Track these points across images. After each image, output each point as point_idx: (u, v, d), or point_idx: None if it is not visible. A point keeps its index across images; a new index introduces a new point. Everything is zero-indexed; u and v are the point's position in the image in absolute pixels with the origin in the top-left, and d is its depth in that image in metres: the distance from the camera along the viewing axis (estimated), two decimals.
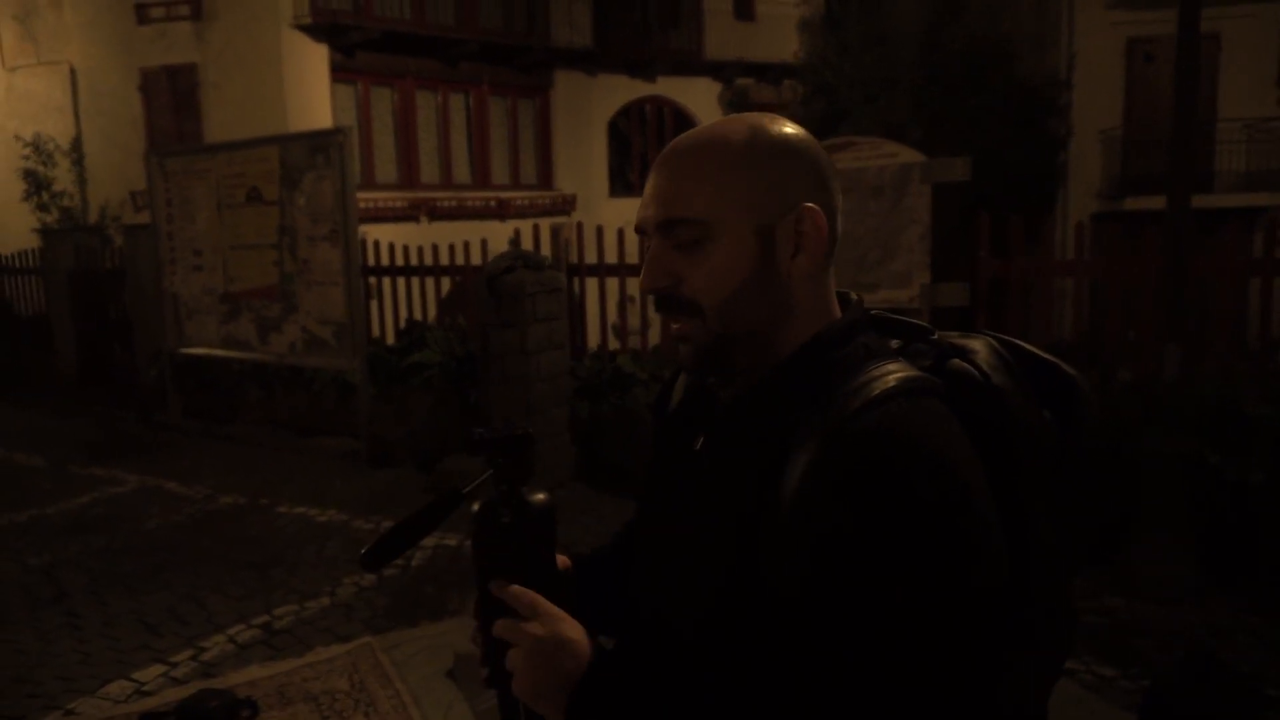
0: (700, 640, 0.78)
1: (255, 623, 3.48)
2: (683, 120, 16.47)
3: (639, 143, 16.30)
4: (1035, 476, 0.76)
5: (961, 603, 0.68)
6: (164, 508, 5.02)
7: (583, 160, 15.31)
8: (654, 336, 5.92)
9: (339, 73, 12.42)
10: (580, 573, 1.03)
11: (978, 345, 0.82)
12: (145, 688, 3.04)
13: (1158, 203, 13.66)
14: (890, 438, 0.71)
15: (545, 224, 6.35)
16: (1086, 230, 4.65)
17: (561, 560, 0.96)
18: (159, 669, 3.16)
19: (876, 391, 0.74)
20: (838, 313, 0.85)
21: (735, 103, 16.19)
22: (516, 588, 0.81)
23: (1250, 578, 3.45)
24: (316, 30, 11.91)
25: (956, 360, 0.80)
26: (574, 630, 0.80)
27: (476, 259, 6.32)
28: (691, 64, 16.04)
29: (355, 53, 12.48)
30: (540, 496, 0.86)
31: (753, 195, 0.81)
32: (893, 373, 0.76)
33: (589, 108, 15.31)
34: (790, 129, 0.83)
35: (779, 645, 0.72)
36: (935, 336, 0.86)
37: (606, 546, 1.10)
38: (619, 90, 15.62)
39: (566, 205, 14.87)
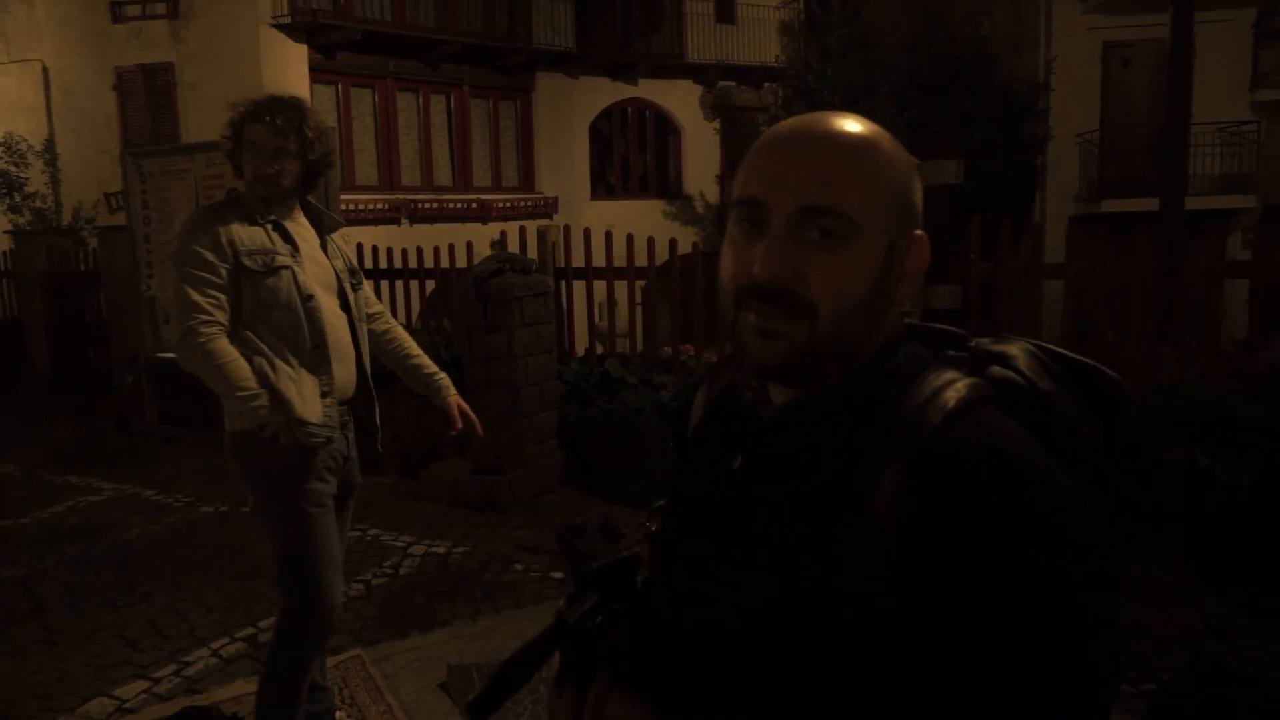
0: (781, 664, 0.74)
1: (239, 635, 3.40)
2: (664, 123, 16.46)
3: (620, 145, 16.27)
4: (1087, 481, 0.74)
5: (1104, 598, 0.69)
6: (143, 517, 4.91)
7: (564, 162, 15.25)
8: (639, 341, 5.87)
9: (318, 73, 12.28)
10: None
11: (1015, 350, 0.80)
12: (127, 704, 2.95)
13: (1134, 205, 13.83)
14: (994, 452, 0.69)
15: (531, 226, 6.28)
16: (1075, 233, 4.66)
17: None
18: (141, 685, 3.07)
19: (953, 403, 0.72)
20: None
21: (718, 105, 16.21)
22: None
23: (1244, 579, 3.46)
24: (296, 30, 11.78)
25: (997, 367, 0.78)
26: None
27: (461, 261, 6.25)
28: (673, 66, 16.03)
29: (335, 53, 12.35)
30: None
31: (895, 207, 0.78)
32: (955, 380, 0.74)
33: (570, 110, 15.25)
34: None
35: (884, 666, 0.69)
36: (972, 343, 0.83)
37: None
38: (600, 92, 15.57)
39: (548, 208, 14.81)
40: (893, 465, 0.70)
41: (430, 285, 6.65)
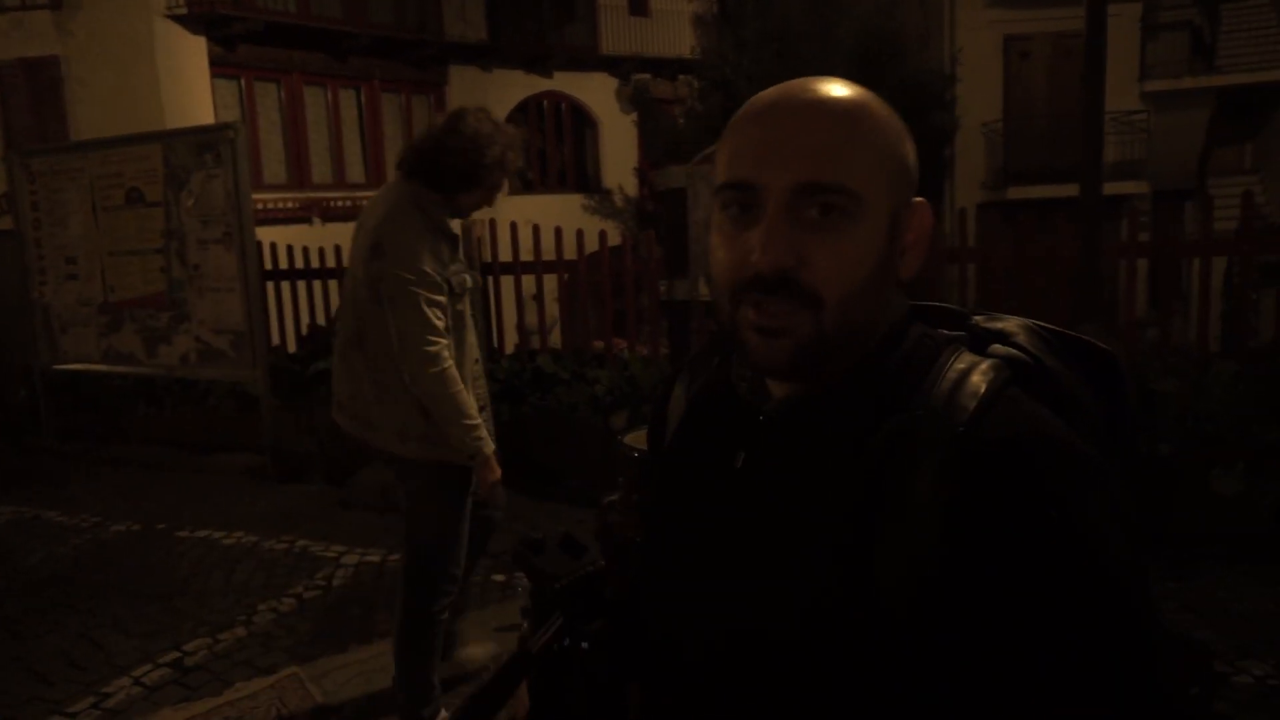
0: (816, 670, 0.69)
1: (164, 661, 3.19)
2: (581, 116, 16.35)
3: (537, 139, 16.09)
4: None
5: (1145, 577, 0.66)
6: (46, 540, 4.59)
7: None
8: (572, 334, 5.80)
9: (219, 67, 11.74)
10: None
11: (1013, 327, 0.77)
12: None
13: (1038, 192, 14.37)
14: (1044, 438, 0.66)
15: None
16: (992, 219, 4.80)
17: None
18: None
19: (984, 389, 0.68)
20: None
21: (635, 98, 16.18)
22: None
23: (1163, 547, 3.61)
24: (193, 21, 11.23)
25: (998, 345, 0.75)
26: None
27: None
28: (588, 59, 15.94)
29: (237, 45, 11.82)
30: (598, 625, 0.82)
31: (894, 174, 0.72)
32: (978, 364, 0.71)
33: (485, 103, 14.56)
34: None
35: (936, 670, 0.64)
36: (971, 321, 0.80)
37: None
38: (515, 86, 15.37)
39: None
40: (929, 457, 0.65)
41: None
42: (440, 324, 2.19)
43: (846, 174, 0.69)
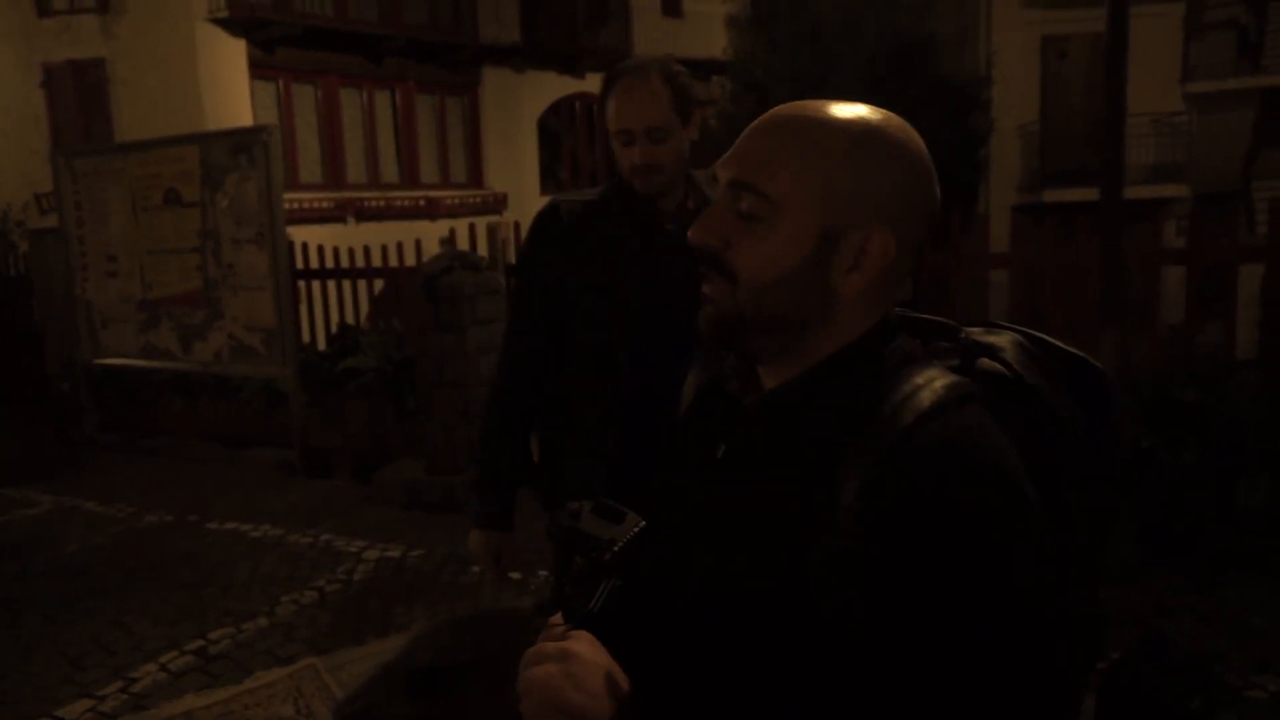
0: (740, 656, 0.74)
1: (189, 648, 3.30)
2: None
3: (569, 140, 16.18)
4: (1072, 473, 0.76)
5: (1033, 607, 0.69)
6: (83, 529, 4.74)
7: (513, 158, 15.11)
8: None
9: (258, 69, 11.97)
10: None
11: (1004, 342, 0.80)
12: None
13: (1075, 195, 14.16)
14: (954, 453, 0.69)
15: (481, 223, 6.21)
16: (1023, 222, 4.75)
17: None
18: (85, 704, 2.96)
19: (927, 404, 0.71)
20: None
21: None
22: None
23: (1185, 557, 3.56)
24: (233, 25, 11.46)
25: (985, 360, 0.78)
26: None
27: (410, 260, 6.15)
28: (620, 60, 15.96)
29: (275, 49, 12.04)
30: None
31: (834, 195, 0.76)
32: (934, 380, 0.74)
33: (518, 105, 15.12)
34: (915, 142, 0.79)
35: (835, 664, 0.69)
36: (962, 335, 0.83)
37: None
38: (548, 87, 15.46)
39: (498, 204, 14.66)
40: (860, 463, 0.69)
41: (379, 284, 6.54)
42: None
43: (766, 181, 0.76)
